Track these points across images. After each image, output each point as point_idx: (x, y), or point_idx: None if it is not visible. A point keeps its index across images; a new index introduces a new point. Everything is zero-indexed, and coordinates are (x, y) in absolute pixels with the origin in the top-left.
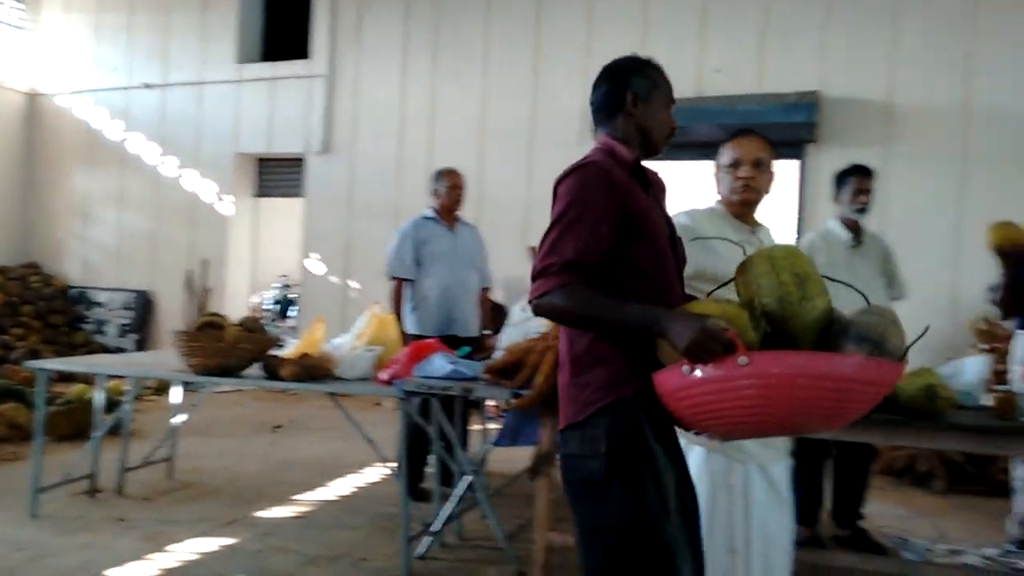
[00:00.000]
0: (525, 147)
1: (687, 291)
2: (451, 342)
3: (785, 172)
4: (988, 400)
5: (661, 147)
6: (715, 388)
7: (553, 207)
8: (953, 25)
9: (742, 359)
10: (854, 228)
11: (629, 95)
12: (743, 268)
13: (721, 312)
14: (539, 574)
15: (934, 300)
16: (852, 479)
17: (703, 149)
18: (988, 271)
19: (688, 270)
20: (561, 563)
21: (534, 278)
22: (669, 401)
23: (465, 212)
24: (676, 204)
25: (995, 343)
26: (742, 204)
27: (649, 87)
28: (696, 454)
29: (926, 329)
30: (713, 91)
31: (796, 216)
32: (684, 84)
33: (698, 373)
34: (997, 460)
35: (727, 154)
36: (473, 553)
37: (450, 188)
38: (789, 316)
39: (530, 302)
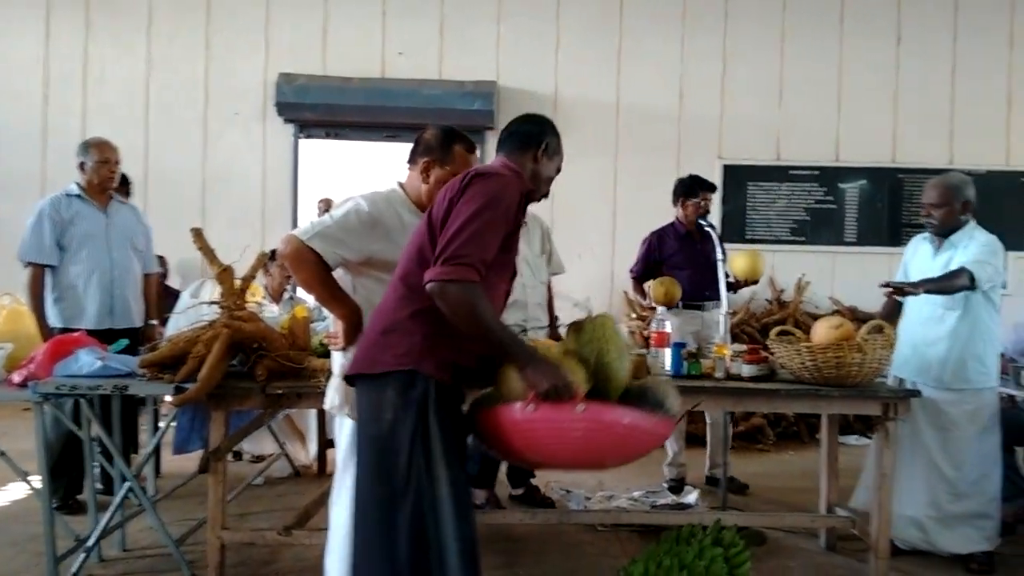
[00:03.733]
0: (200, 121)
1: (359, 276)
2: (110, 335)
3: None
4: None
5: (538, 198)
6: (552, 426)
7: (467, 197)
8: (606, 26)
9: (580, 407)
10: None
11: (542, 146)
12: (579, 327)
13: (568, 363)
14: None
15: (596, 274)
16: None
17: (389, 129)
18: (636, 250)
19: (358, 256)
20: (238, 562)
21: (447, 260)
22: (510, 432)
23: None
24: (358, 186)
25: (644, 312)
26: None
27: (555, 148)
28: (347, 425)
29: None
30: (397, 73)
31: None
32: (370, 64)
33: (531, 408)
34: None
35: (463, 165)
36: (139, 564)
37: (99, 163)
38: (606, 377)
39: (435, 280)
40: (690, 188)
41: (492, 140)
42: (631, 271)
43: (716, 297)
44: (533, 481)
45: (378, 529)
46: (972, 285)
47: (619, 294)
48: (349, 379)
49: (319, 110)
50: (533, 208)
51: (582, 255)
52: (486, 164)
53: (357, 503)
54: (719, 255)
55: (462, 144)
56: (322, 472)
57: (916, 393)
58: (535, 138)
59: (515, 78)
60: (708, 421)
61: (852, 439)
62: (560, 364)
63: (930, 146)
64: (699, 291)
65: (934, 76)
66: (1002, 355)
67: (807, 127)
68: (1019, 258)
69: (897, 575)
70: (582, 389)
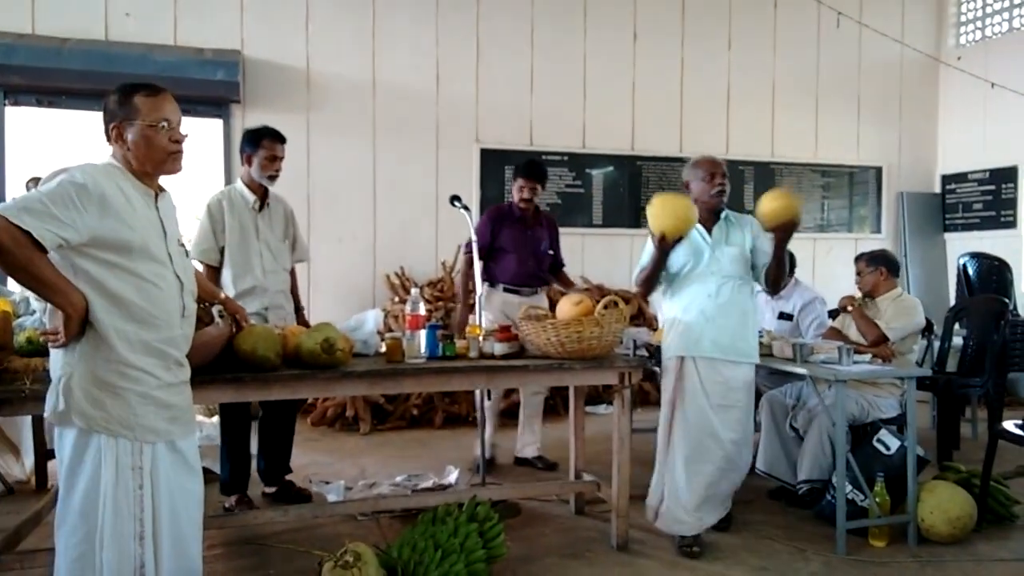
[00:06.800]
0: None
1: (81, 259)
2: None
3: (208, 130)
4: (383, 347)
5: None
6: None
7: None
8: (358, 0)
9: None
10: (260, 192)
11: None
12: None
13: None
14: None
15: (359, 259)
16: (277, 438)
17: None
18: (397, 232)
19: (81, 236)
20: None
21: None
22: None
23: None
24: (72, 158)
25: (404, 295)
26: (169, 171)
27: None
28: (70, 435)
29: None
30: (124, 36)
31: (223, 175)
32: (91, 24)
33: None
34: (411, 397)
35: (156, 112)
36: None
37: None
38: None
39: None
40: (517, 170)
41: (238, 113)
42: (475, 248)
43: (536, 285)
44: (288, 477)
45: None
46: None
47: (381, 278)
48: None
49: (28, 74)
50: (278, 189)
51: (343, 239)
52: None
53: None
54: (473, 237)
55: (142, 92)
56: (42, 487)
57: (646, 362)
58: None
59: (262, 49)
60: (521, 401)
61: (601, 408)
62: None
63: (663, 136)
64: (520, 277)
65: (665, 72)
66: None
67: (557, 115)
68: None
69: (637, 531)
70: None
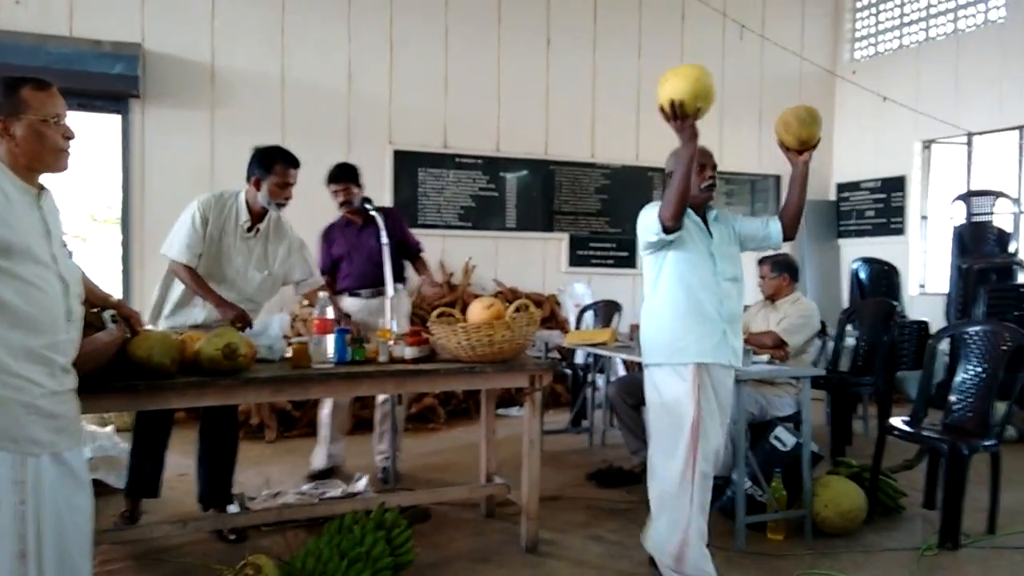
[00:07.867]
0: None
1: None
2: None
3: (106, 126)
4: (289, 351)
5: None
6: None
7: None
8: None
9: None
10: (258, 216)
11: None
12: None
13: None
14: None
15: None
16: (215, 457)
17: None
18: (307, 235)
19: None
20: None
21: None
22: None
23: None
24: None
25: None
26: (57, 169)
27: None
28: None
29: None
30: (14, 26)
31: (120, 173)
32: None
33: None
34: (320, 403)
35: (47, 107)
36: None
37: None
38: None
39: None
40: (328, 176)
41: (138, 109)
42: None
43: (379, 285)
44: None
45: None
46: None
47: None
48: None
49: None
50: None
51: None
52: None
53: None
54: (384, 239)
55: (30, 85)
56: None
57: (556, 364)
58: None
59: (164, 42)
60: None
61: (514, 410)
62: None
63: (575, 142)
64: (355, 280)
65: (578, 79)
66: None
67: (471, 118)
68: None
69: (547, 533)
70: None
